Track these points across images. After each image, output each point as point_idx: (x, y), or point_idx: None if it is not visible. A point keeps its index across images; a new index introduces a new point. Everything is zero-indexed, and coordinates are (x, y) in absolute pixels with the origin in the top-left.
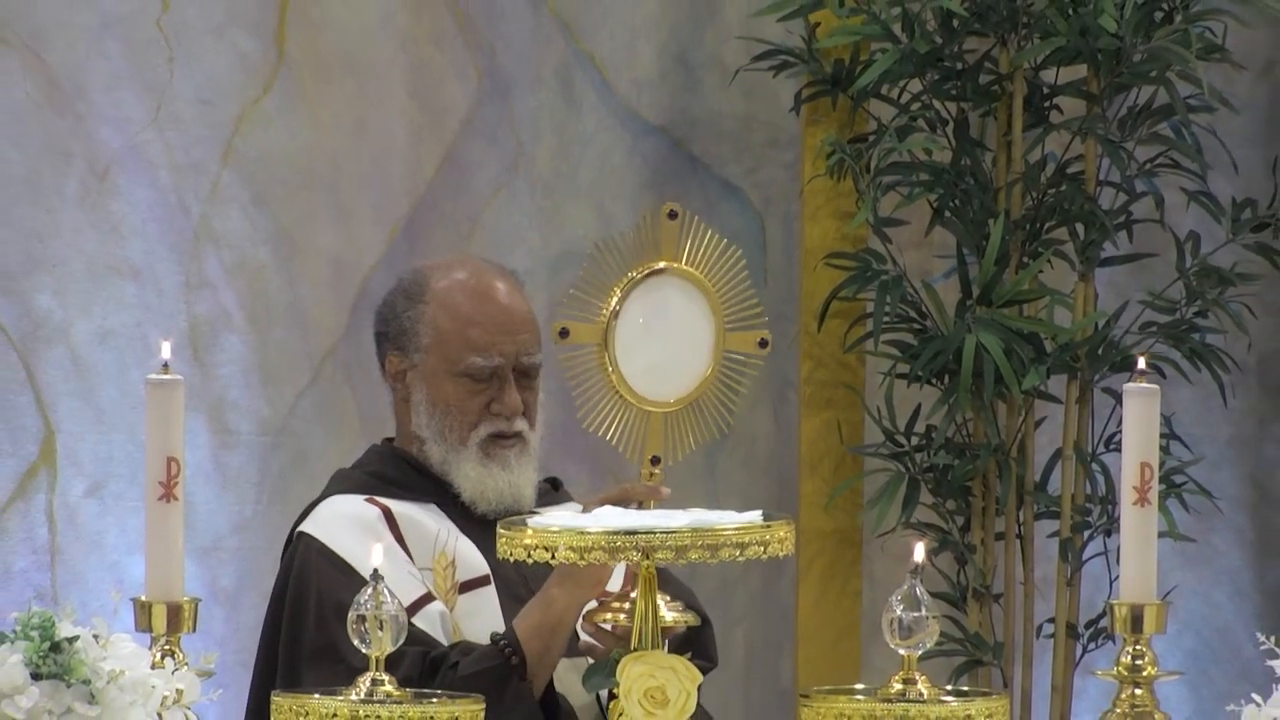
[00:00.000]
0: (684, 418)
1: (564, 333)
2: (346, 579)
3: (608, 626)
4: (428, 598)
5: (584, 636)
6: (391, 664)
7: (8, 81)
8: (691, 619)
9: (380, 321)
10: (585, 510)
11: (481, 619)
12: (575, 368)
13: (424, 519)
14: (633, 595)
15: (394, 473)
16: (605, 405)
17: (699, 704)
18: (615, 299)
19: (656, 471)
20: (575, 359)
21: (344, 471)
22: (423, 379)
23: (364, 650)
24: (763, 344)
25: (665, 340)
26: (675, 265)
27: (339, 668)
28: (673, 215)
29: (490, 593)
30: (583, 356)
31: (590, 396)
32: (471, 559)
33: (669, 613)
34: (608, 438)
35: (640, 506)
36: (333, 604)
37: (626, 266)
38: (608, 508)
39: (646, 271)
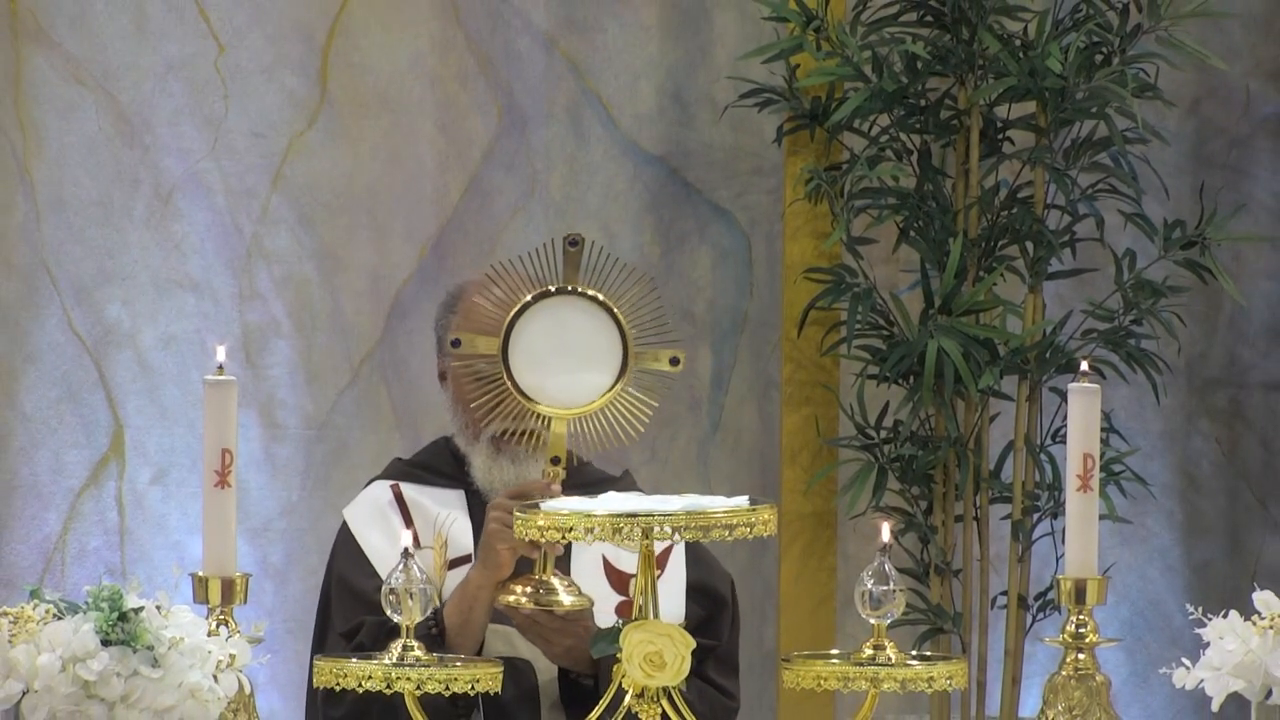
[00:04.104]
0: (589, 424)
1: (455, 343)
2: (352, 556)
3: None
4: None
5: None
6: (353, 632)
7: (83, 117)
8: (585, 602)
9: (434, 329)
10: (489, 505)
11: None
12: (476, 374)
13: (431, 504)
14: (536, 578)
15: (436, 462)
16: (505, 409)
17: (716, 684)
18: (511, 315)
19: (557, 470)
20: (475, 367)
21: (395, 460)
22: (451, 380)
23: (395, 619)
24: (674, 362)
25: (564, 354)
26: (573, 287)
27: (330, 633)
28: (573, 244)
29: None
30: (483, 364)
31: (490, 401)
32: (460, 540)
33: (566, 596)
34: (508, 439)
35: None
36: (335, 577)
37: (524, 287)
38: (611, 493)
39: (541, 292)
